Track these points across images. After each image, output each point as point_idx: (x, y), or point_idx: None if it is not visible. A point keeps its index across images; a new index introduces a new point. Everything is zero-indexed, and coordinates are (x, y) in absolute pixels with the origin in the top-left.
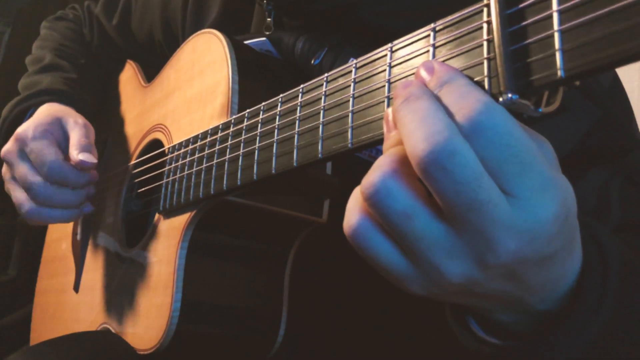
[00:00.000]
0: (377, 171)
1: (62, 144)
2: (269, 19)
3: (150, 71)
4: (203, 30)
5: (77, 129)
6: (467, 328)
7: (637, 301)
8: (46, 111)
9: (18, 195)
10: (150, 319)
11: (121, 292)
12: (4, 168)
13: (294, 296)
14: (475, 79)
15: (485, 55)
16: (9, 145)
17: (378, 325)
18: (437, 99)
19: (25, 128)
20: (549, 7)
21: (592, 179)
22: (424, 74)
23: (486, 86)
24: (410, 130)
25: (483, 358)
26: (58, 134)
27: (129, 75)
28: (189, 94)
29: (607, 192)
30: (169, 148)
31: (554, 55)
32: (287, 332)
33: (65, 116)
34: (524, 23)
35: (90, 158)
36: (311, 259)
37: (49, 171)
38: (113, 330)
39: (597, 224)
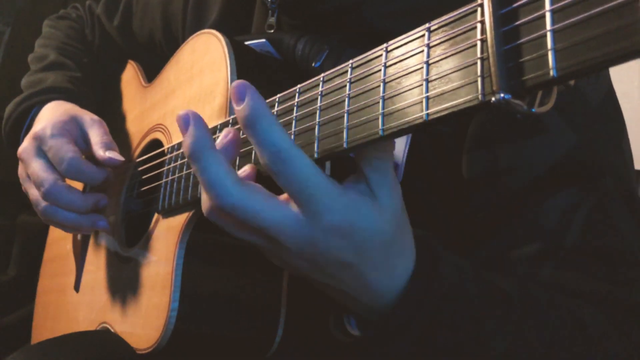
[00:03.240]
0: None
1: (79, 141)
2: (271, 18)
3: (151, 71)
4: (202, 31)
5: (95, 126)
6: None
7: (459, 306)
8: (59, 109)
9: (33, 192)
10: (148, 318)
11: (120, 292)
12: (20, 167)
13: (292, 296)
14: (469, 79)
15: (478, 55)
16: (26, 144)
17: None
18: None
19: (43, 126)
20: (542, 6)
21: (559, 201)
22: (235, 99)
23: (479, 86)
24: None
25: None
26: (75, 132)
27: (129, 76)
28: (189, 94)
29: (570, 215)
30: (168, 148)
31: (546, 55)
32: (286, 332)
33: (80, 114)
34: (517, 23)
35: (117, 155)
36: None
37: (67, 167)
38: (112, 330)
39: (433, 239)
